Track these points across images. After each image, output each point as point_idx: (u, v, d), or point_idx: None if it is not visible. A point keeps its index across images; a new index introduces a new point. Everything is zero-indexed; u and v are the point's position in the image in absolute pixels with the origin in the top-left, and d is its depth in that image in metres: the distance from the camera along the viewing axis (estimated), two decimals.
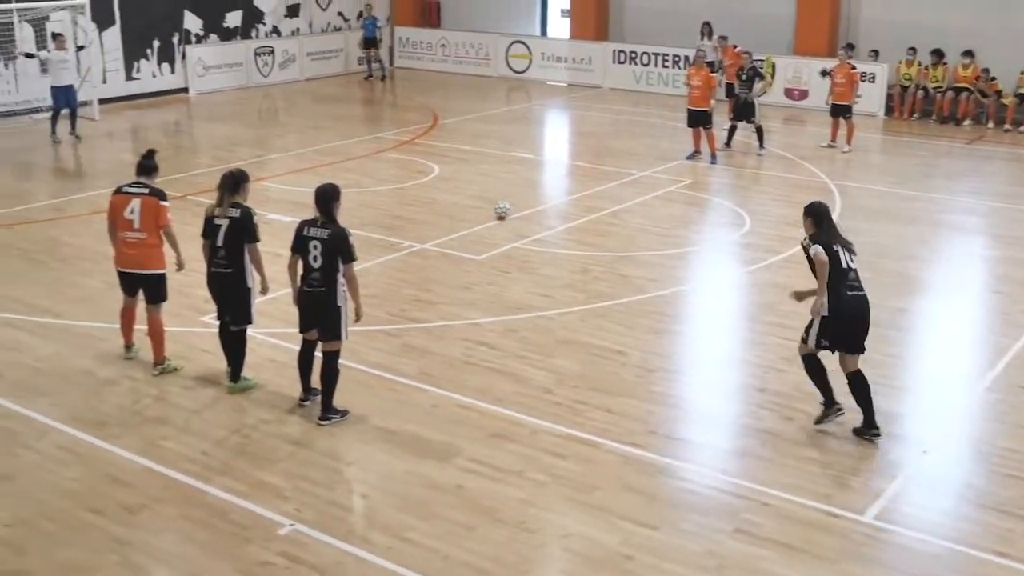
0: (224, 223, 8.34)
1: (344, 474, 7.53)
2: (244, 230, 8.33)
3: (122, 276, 8.97)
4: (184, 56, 23.40)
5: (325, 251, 7.83)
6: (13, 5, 19.92)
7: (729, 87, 19.07)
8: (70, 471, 7.39)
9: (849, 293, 7.79)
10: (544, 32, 27.28)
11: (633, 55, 24.58)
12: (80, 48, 19.72)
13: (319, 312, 7.98)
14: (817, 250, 7.78)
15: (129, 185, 8.90)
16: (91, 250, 12.16)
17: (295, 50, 25.82)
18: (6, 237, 12.90)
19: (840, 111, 18.17)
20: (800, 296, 8.23)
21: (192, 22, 23.65)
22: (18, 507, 6.93)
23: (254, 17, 25.07)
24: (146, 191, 8.82)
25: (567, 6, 26.40)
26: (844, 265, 7.81)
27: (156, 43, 22.94)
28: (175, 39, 23.30)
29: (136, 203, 8.73)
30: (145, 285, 8.91)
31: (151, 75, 22.98)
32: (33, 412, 8.24)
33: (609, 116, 21.71)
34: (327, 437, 7.93)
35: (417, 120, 20.81)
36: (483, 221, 13.57)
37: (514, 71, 26.21)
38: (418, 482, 7.30)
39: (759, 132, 17.79)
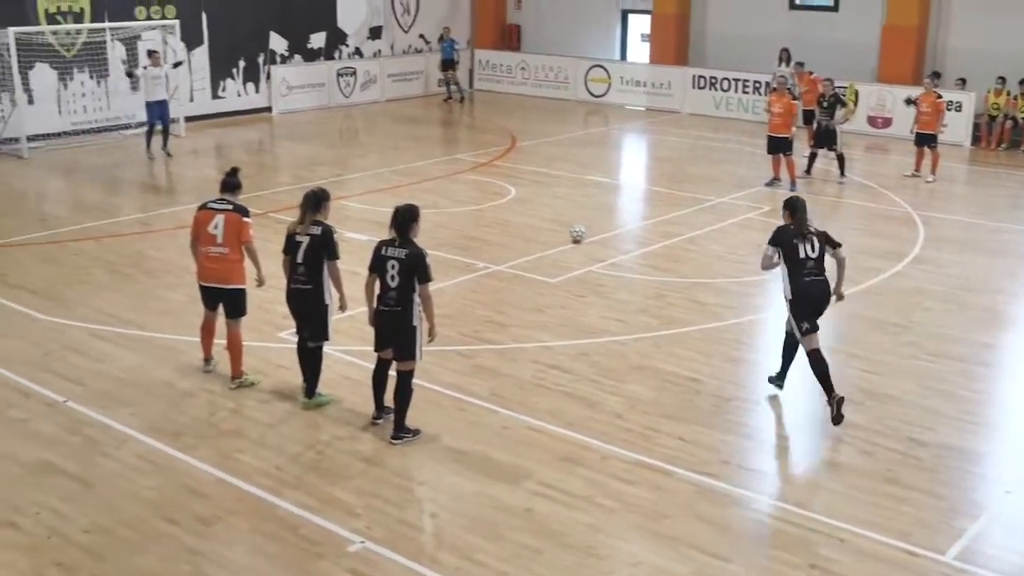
0: (305, 240, 8.46)
1: (414, 493, 7.56)
2: (325, 247, 8.44)
3: (204, 290, 9.13)
4: (269, 76, 23.88)
5: (402, 271, 7.92)
6: (107, 24, 20.54)
7: (808, 113, 18.86)
8: (148, 480, 7.53)
9: (806, 279, 8.72)
10: (624, 56, 27.28)
11: (713, 80, 24.45)
12: (177, 64, 20.24)
13: (394, 331, 8.05)
14: (766, 249, 8.98)
15: (214, 201, 9.08)
16: (175, 264, 12.44)
17: (376, 71, 26.18)
18: (95, 250, 13.25)
19: (925, 140, 17.84)
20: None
21: (277, 43, 24.14)
22: (97, 514, 7.08)
23: (337, 38, 25.50)
24: (230, 207, 8.99)
25: (647, 31, 26.38)
26: (802, 255, 8.74)
27: (242, 63, 23.45)
28: (260, 59, 23.80)
29: (220, 219, 8.90)
30: (226, 299, 9.06)
31: (236, 94, 23.50)
32: (114, 421, 8.43)
33: (687, 141, 21.60)
34: (399, 456, 7.97)
35: (495, 142, 20.93)
36: (558, 244, 13.57)
37: (593, 95, 26.23)
38: (487, 504, 7.29)
39: (840, 160, 17.54)
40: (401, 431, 8.16)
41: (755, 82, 23.68)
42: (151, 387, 9.14)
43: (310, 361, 8.76)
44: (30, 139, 19.08)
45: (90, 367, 9.54)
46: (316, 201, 8.58)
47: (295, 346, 8.94)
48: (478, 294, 11.74)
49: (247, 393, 9.00)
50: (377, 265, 8.05)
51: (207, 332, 9.36)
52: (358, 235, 13.90)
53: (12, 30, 18.57)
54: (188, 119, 21.42)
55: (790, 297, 8.79)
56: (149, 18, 21.47)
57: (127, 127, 20.85)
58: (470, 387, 9.17)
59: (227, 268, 8.96)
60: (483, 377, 9.42)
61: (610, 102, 25.82)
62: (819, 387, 8.90)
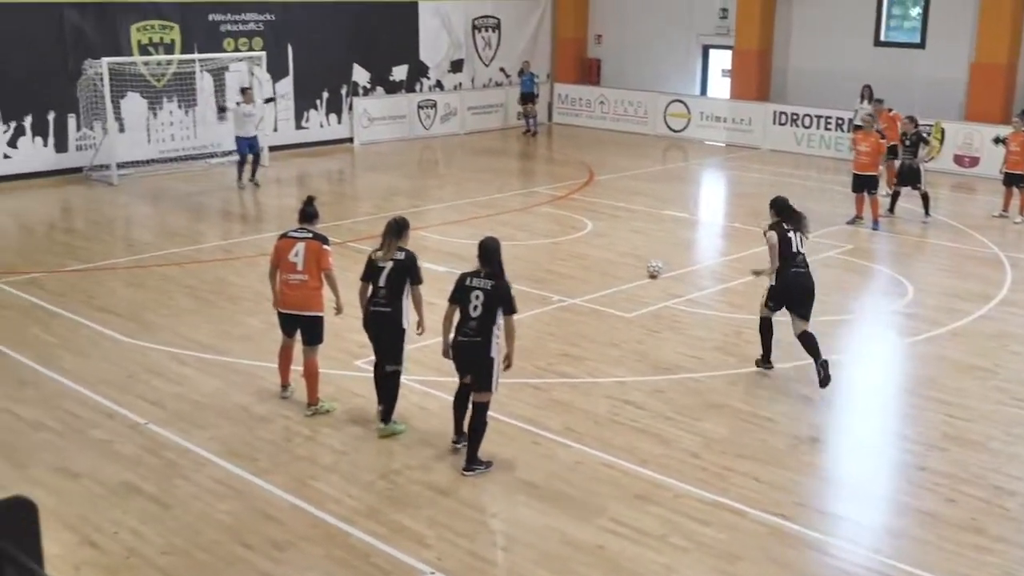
0: (389, 265, 8.59)
1: (486, 525, 7.56)
2: (409, 272, 8.61)
3: (283, 316, 9.25)
4: (351, 107, 24.31)
5: (487, 302, 8.02)
6: (196, 56, 21.13)
7: (889, 151, 18.58)
8: (224, 504, 7.65)
9: (793, 270, 9.81)
10: (704, 91, 27.20)
11: (794, 116, 24.25)
12: (269, 100, 20.68)
13: (472, 361, 8.14)
14: (771, 235, 9.92)
15: (295, 230, 9.24)
16: (254, 291, 12.68)
17: (456, 104, 26.48)
18: (178, 275, 13.56)
19: (1014, 180, 17.45)
20: (757, 272, 10.37)
21: (360, 75, 24.58)
22: (175, 536, 7.21)
23: (419, 71, 25.87)
24: (310, 236, 9.15)
25: (728, 66, 26.30)
26: (794, 248, 9.84)
27: (325, 94, 23.92)
28: (343, 91, 24.25)
29: (301, 246, 9.04)
30: (304, 326, 9.18)
31: (319, 125, 23.95)
32: (192, 444, 8.59)
33: (767, 177, 21.41)
34: (471, 487, 7.98)
35: (572, 175, 20.99)
36: (635, 279, 13.53)
37: (672, 130, 26.19)
38: (558, 538, 7.26)
39: (925, 199, 17.23)
40: (474, 463, 8.19)
41: (837, 119, 23.42)
42: (229, 411, 9.30)
43: (387, 387, 8.84)
44: (120, 166, 19.66)
45: (171, 390, 9.75)
46: (398, 229, 8.73)
47: (372, 373, 9.03)
48: (553, 327, 11.74)
49: (322, 420, 9.11)
50: (460, 296, 8.14)
51: (285, 358, 9.49)
52: (435, 266, 14.02)
53: (106, 60, 19.22)
54: (272, 149, 21.87)
55: (773, 284, 9.93)
56: (237, 50, 22.04)
57: (213, 155, 21.38)
58: (544, 421, 9.16)
59: (306, 295, 9.08)
60: (557, 411, 9.41)
61: (689, 137, 25.74)
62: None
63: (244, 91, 19.46)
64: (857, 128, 21.43)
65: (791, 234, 9.87)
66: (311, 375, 9.20)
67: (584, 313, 12.23)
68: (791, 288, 9.84)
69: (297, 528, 7.34)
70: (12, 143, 19.34)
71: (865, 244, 15.93)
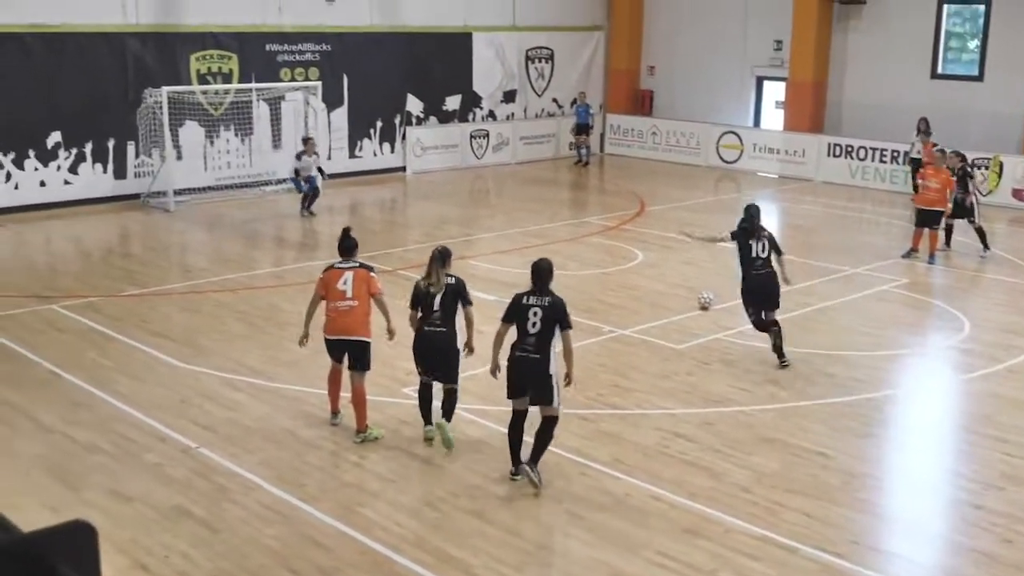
0: (442, 290, 8.87)
1: (533, 556, 7.51)
2: (461, 294, 8.94)
3: (331, 343, 9.30)
4: (404, 137, 24.54)
5: (544, 318, 8.24)
6: (253, 85, 21.49)
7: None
8: (271, 529, 7.70)
9: (755, 273, 11.08)
10: (757, 123, 27.10)
11: (849, 149, 24.05)
12: (300, 159, 19.62)
13: (530, 378, 8.26)
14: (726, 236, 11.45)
15: (340, 263, 9.39)
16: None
17: (509, 134, 26.63)
18: (232, 301, 13.74)
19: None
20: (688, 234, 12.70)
21: (414, 105, 24.82)
22: (223, 560, 7.26)
23: (472, 101, 26.06)
24: (356, 265, 9.34)
25: (782, 97, 26.19)
26: (754, 254, 11.07)
27: (379, 124, 24.17)
28: (397, 120, 24.50)
29: (349, 275, 9.21)
30: (352, 351, 9.24)
31: (372, 153, 24.20)
32: (242, 469, 8.67)
33: (820, 210, 21.24)
34: (518, 517, 7.95)
35: (624, 206, 20.98)
36: (685, 310, 13.46)
37: (724, 161, 26.10)
38: (605, 571, 7.20)
39: (980, 233, 16.94)
40: (536, 464, 8.33)
41: (892, 151, 23.19)
42: (277, 437, 9.37)
43: (447, 399, 9.06)
44: (177, 193, 19.99)
45: (222, 415, 9.85)
46: (443, 257, 9.04)
47: (418, 390, 9.11)
48: (603, 358, 11.71)
49: (370, 447, 9.14)
50: (516, 313, 8.35)
51: (335, 384, 9.54)
52: (485, 295, 14.05)
53: (166, 89, 19.62)
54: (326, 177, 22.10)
55: (742, 287, 11.07)
56: (293, 80, 22.38)
57: (267, 183, 21.67)
58: (592, 452, 9.11)
59: (356, 320, 9.16)
60: (606, 442, 9.36)
61: (742, 168, 25.62)
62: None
63: (306, 141, 19.63)
64: (914, 161, 21.23)
65: (752, 240, 11.06)
66: (360, 402, 9.24)
67: (634, 344, 12.19)
68: (754, 287, 11.19)
69: (344, 555, 7.36)
70: (73, 169, 19.75)
71: (921, 278, 15.72)
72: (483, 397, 10.06)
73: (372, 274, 9.29)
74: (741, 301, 11.43)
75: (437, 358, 8.93)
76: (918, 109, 22.18)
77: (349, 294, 9.12)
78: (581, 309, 13.33)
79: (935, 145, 19.13)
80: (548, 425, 8.32)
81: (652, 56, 28.68)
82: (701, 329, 12.66)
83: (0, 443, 9.16)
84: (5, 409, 9.89)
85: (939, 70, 23.73)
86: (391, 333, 9.27)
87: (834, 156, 24.25)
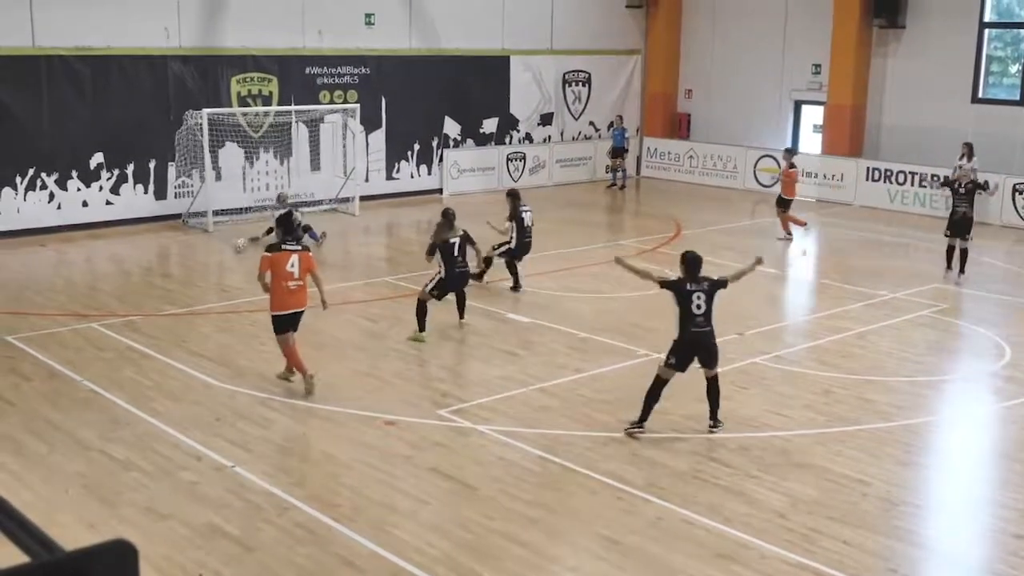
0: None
1: None
2: (469, 240, 13.14)
3: (290, 316, 10.90)
4: (441, 159, 24.67)
5: (707, 298, 9.83)
6: (292, 107, 21.71)
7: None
8: (304, 548, 7.71)
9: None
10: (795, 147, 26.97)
11: (888, 173, 23.88)
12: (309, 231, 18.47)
13: (705, 347, 9.91)
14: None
15: (289, 245, 10.94)
16: (338, 338, 12.89)
17: (545, 156, 26.70)
18: (267, 321, 13.78)
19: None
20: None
21: (451, 127, 24.97)
22: None
23: (509, 124, 26.17)
24: (300, 248, 11.00)
25: (820, 121, 26.07)
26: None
27: (416, 146, 24.33)
28: (434, 143, 24.64)
29: (295, 258, 10.81)
30: (297, 319, 10.97)
31: (409, 175, 24.34)
32: (276, 488, 8.70)
33: (859, 234, 21.08)
34: (550, 540, 7.92)
35: (660, 229, 20.93)
36: (722, 333, 13.32)
37: (762, 185, 25.99)
38: None
39: (964, 255, 16.63)
40: (718, 419, 10.04)
41: (932, 175, 22.99)
42: (312, 456, 9.41)
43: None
44: (215, 213, 20.20)
45: (257, 434, 9.90)
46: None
47: (454, 424, 9.09)
48: (639, 381, 11.57)
49: (402, 467, 9.15)
50: (683, 299, 9.81)
51: (294, 351, 10.96)
52: (519, 316, 14.08)
53: (206, 111, 19.86)
54: (363, 199, 22.28)
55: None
56: (332, 102, 22.59)
57: (305, 205, 21.80)
58: (626, 475, 9.06)
59: (304, 295, 11.00)
60: (640, 466, 9.30)
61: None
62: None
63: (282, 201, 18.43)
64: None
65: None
66: (294, 355, 10.99)
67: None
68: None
69: (377, 575, 7.35)
70: (115, 190, 20.02)
71: (961, 303, 15.54)
72: (516, 419, 10.06)
73: (310, 254, 11.04)
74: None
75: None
76: (959, 133, 22.01)
77: (297, 275, 10.77)
78: (617, 332, 13.32)
79: (974, 171, 19.00)
80: (716, 382, 10.02)
81: (689, 79, 28.67)
82: (737, 353, 12.57)
83: (40, 459, 9.25)
84: (45, 426, 10.00)
85: (980, 94, 23.54)
86: (325, 304, 11.07)
87: (873, 180, 24.08)
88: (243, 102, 21.41)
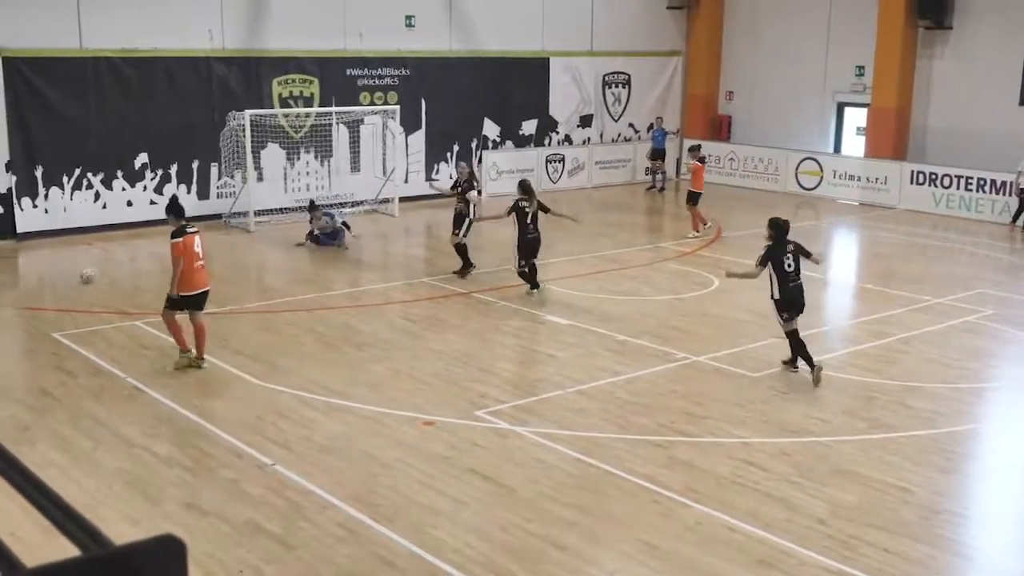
0: (533, 206, 14.03)
1: None
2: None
3: (196, 297, 11.53)
4: (480, 160, 24.73)
5: (794, 257, 11.58)
6: (333, 109, 21.87)
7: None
8: (344, 547, 7.77)
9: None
10: (838, 149, 26.77)
11: (933, 176, 23.62)
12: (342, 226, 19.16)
13: (800, 297, 11.66)
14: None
15: (190, 228, 11.53)
16: (380, 338, 12.98)
17: (584, 158, 26.68)
18: (307, 321, 13.96)
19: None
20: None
21: (491, 129, 25.03)
22: None
23: (548, 126, 26.19)
24: (197, 229, 11.73)
25: (863, 123, 25.84)
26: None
27: (456, 147, 24.41)
28: (473, 144, 24.71)
29: (198, 238, 11.57)
30: (203, 298, 11.67)
31: (449, 176, 24.38)
32: (316, 487, 8.77)
33: (903, 238, 20.88)
34: (587, 543, 7.92)
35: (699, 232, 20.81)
36: (761, 337, 13.30)
37: (803, 187, 25.82)
38: None
39: None
40: (795, 362, 11.82)
41: (979, 179, 22.71)
42: (352, 456, 9.47)
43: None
44: (257, 213, 20.39)
45: (297, 432, 9.99)
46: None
47: (492, 425, 9.11)
48: (676, 384, 11.62)
49: (441, 468, 9.19)
50: (776, 259, 11.47)
51: (180, 328, 11.63)
52: (557, 318, 14.08)
53: (248, 112, 20.06)
54: (402, 200, 22.39)
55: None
56: (372, 103, 22.73)
57: (344, 205, 21.95)
58: (664, 479, 9.04)
59: (208, 273, 11.84)
60: (678, 470, 9.28)
61: (821, 195, 25.33)
62: None
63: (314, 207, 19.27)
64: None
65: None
66: (204, 334, 11.70)
67: (708, 371, 12.09)
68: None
69: (416, 575, 7.40)
70: (158, 190, 20.26)
71: (1007, 309, 15.33)
72: (555, 422, 10.07)
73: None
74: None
75: (535, 247, 13.92)
76: (1006, 136, 21.76)
77: (202, 254, 11.59)
78: (654, 335, 13.29)
79: None
80: (798, 332, 11.69)
81: (731, 81, 28.54)
82: (777, 357, 12.48)
83: (85, 455, 9.39)
84: (90, 422, 10.15)
85: None
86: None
87: (917, 184, 23.83)
88: (285, 103, 21.60)
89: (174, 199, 12.23)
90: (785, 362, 12.03)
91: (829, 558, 7.73)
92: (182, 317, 11.74)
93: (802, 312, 11.76)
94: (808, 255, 11.86)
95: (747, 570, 7.53)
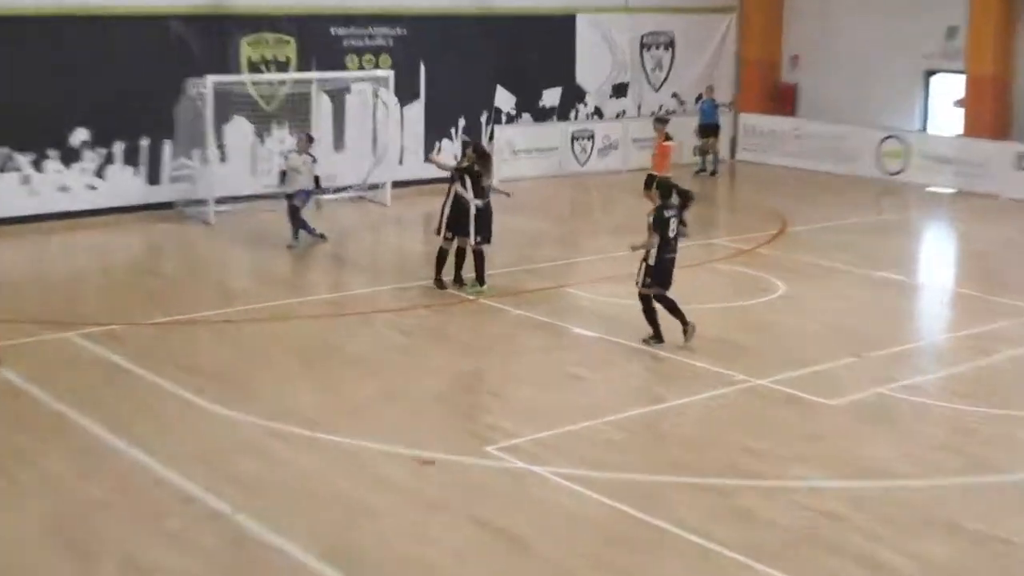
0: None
1: None
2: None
3: None
4: (492, 137, 24.55)
5: (677, 223, 13.21)
6: (313, 75, 21.70)
7: None
8: None
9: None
10: (925, 127, 26.57)
11: None
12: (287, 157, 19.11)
13: (672, 274, 12.83)
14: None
15: None
16: (365, 354, 12.88)
17: (618, 135, 26.53)
18: (279, 332, 13.83)
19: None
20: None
21: (504, 100, 24.90)
22: None
23: (575, 96, 26.05)
24: None
25: (960, 96, 25.59)
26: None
27: (462, 122, 24.25)
28: (483, 118, 24.56)
29: None
30: None
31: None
32: (283, 539, 8.58)
33: (1008, 234, 20.67)
34: None
35: (760, 225, 20.68)
36: (837, 356, 13.10)
37: (886, 172, 25.63)
38: None
39: None
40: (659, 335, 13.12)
41: None
42: (330, 501, 9.29)
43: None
44: (219, 201, 20.22)
45: (262, 472, 9.82)
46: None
47: (504, 463, 8.93)
48: (734, 413, 11.47)
49: (442, 517, 9.02)
50: (664, 222, 12.89)
51: None
52: (585, 330, 13.93)
53: (211, 78, 19.88)
54: (395, 185, 22.21)
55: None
56: (361, 68, 22.59)
57: (326, 192, 21.70)
58: (718, 532, 8.82)
59: None
60: (735, 521, 9.08)
61: (908, 181, 25.16)
62: None
63: (309, 139, 19.01)
64: None
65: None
66: None
67: (773, 398, 11.92)
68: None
69: None
70: (99, 173, 20.16)
71: None
72: (582, 459, 9.90)
73: None
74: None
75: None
76: None
77: None
78: (705, 352, 13.14)
79: None
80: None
81: (795, 44, 28.45)
82: (859, 382, 12.34)
83: (2, 499, 9.23)
84: (9, 459, 9.99)
85: None
86: None
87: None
88: (255, 68, 21.50)
89: None
90: (645, 340, 13.07)
91: None
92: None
93: (668, 289, 13.06)
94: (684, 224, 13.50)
95: None
